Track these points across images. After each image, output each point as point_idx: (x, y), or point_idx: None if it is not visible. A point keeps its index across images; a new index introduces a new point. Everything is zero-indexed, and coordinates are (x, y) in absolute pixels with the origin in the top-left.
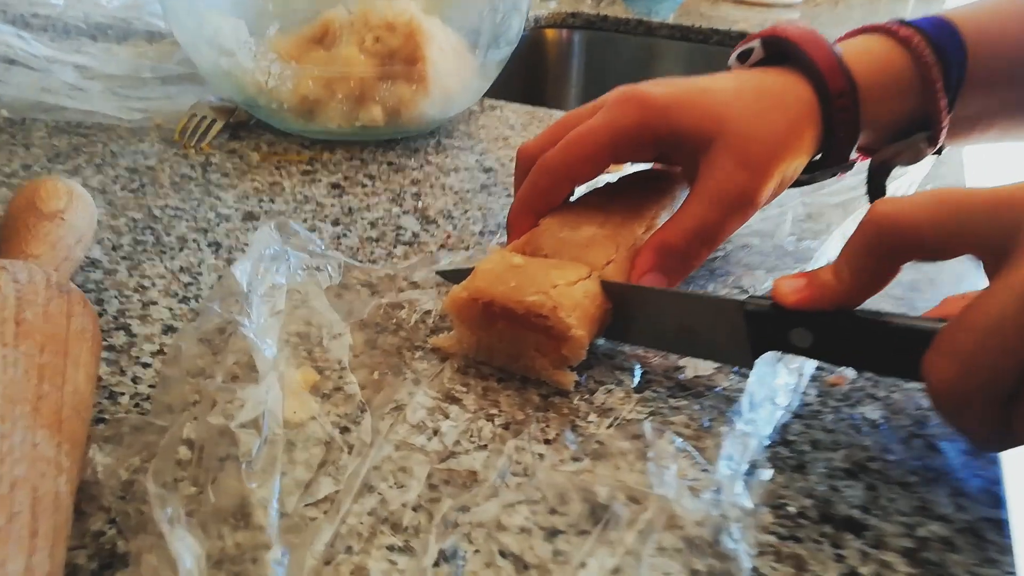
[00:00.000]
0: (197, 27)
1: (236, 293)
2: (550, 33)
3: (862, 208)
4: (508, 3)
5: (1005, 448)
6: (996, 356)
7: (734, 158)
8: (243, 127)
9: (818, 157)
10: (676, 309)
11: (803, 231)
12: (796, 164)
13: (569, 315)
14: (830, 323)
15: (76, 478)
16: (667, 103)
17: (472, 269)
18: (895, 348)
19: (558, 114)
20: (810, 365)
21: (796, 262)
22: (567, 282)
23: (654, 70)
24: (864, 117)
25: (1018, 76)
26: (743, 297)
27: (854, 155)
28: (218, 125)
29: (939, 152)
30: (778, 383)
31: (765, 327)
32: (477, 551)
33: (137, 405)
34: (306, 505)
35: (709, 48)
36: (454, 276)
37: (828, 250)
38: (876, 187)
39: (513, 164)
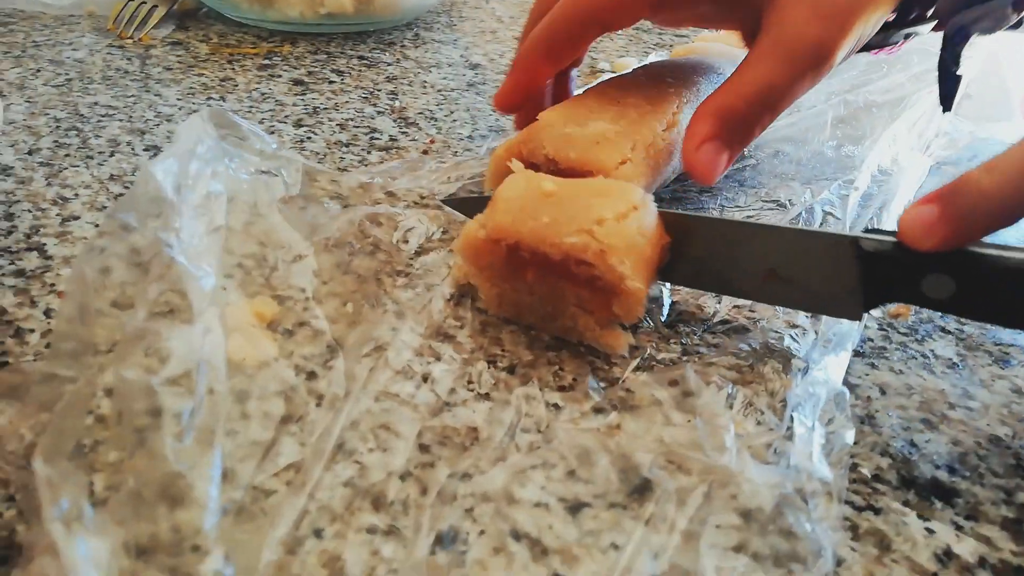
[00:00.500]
0: None
1: (159, 202)
2: None
3: (913, 107)
4: None
5: None
6: None
7: (808, 5)
8: (190, 16)
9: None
10: (763, 247)
11: (843, 135)
12: (878, 16)
13: (622, 261)
14: (985, 266)
15: None
16: None
17: (487, 198)
18: None
19: None
20: None
21: (837, 171)
22: (615, 215)
23: None
24: None
25: None
26: (857, 232)
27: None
28: (160, 12)
29: (1020, 23)
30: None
31: (886, 272)
32: (483, 532)
33: (50, 346)
34: (272, 475)
35: None
36: (465, 206)
37: (875, 158)
38: (951, 58)
39: (505, 60)
